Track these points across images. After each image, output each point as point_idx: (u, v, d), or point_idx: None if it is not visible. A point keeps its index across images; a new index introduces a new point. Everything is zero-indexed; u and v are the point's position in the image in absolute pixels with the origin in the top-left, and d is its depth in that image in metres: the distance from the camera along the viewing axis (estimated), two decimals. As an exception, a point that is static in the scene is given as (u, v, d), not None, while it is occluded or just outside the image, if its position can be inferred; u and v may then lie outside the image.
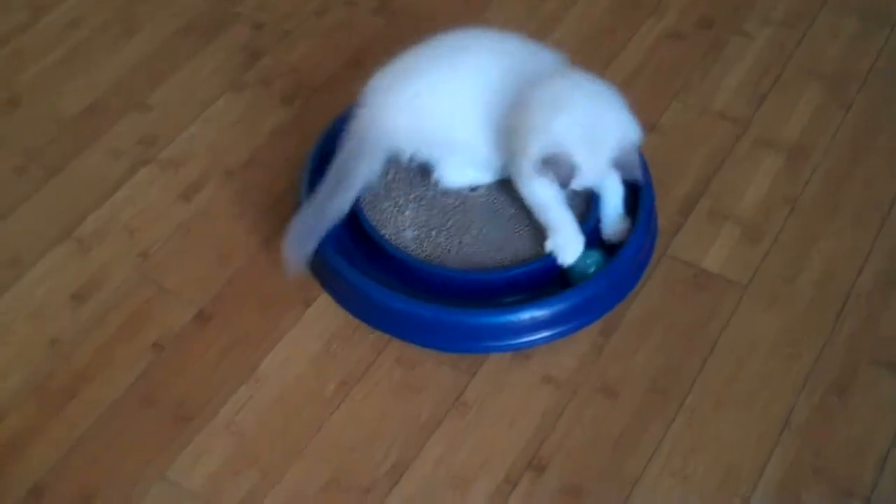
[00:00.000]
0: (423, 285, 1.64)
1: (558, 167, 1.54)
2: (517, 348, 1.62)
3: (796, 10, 2.12)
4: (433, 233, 1.71)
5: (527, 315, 1.60)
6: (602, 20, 2.13)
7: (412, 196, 1.75)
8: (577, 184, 1.58)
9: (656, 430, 1.53)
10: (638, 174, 1.59)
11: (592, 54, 2.03)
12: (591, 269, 1.62)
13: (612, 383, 1.58)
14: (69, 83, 2.01)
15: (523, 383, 1.59)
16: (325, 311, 1.68)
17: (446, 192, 1.76)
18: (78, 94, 1.99)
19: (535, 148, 1.56)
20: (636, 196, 1.70)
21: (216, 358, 1.62)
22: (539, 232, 1.67)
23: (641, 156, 1.64)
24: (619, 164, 1.57)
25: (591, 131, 1.55)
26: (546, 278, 1.64)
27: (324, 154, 1.76)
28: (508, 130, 1.63)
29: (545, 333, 1.61)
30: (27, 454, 1.51)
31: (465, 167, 1.73)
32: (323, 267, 1.69)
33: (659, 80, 2.00)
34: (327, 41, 2.08)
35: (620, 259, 1.64)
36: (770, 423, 1.53)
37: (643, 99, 1.86)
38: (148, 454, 1.52)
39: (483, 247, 1.69)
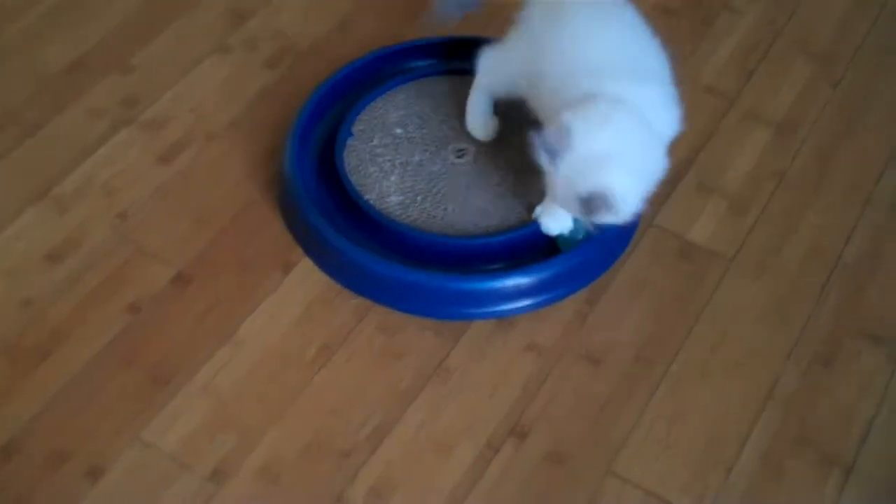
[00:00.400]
0: (407, 251, 1.62)
1: (597, 204, 1.42)
2: (501, 315, 1.60)
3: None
4: (419, 198, 1.68)
5: (511, 282, 1.58)
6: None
7: (398, 162, 1.73)
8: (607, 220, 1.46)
9: (640, 398, 1.51)
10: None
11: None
12: (580, 236, 1.60)
13: (597, 351, 1.57)
14: (51, 41, 1.97)
15: (506, 350, 1.57)
16: (306, 277, 1.65)
17: (433, 159, 1.73)
18: (60, 52, 1.94)
19: (582, 186, 1.43)
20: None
21: (194, 320, 1.60)
22: (526, 199, 1.66)
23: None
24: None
25: (640, 175, 1.47)
26: (533, 245, 1.62)
27: (309, 119, 1.74)
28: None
29: (529, 301, 1.60)
30: (-2, 413, 1.49)
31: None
32: (305, 231, 1.67)
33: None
34: (313, 5, 2.05)
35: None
36: (755, 392, 1.51)
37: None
38: (123, 415, 1.49)
39: (469, 213, 1.67)
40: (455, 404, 1.51)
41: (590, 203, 1.41)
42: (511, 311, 1.59)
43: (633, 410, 1.50)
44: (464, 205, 1.67)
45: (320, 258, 1.66)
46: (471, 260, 1.62)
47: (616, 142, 1.44)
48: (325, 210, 1.66)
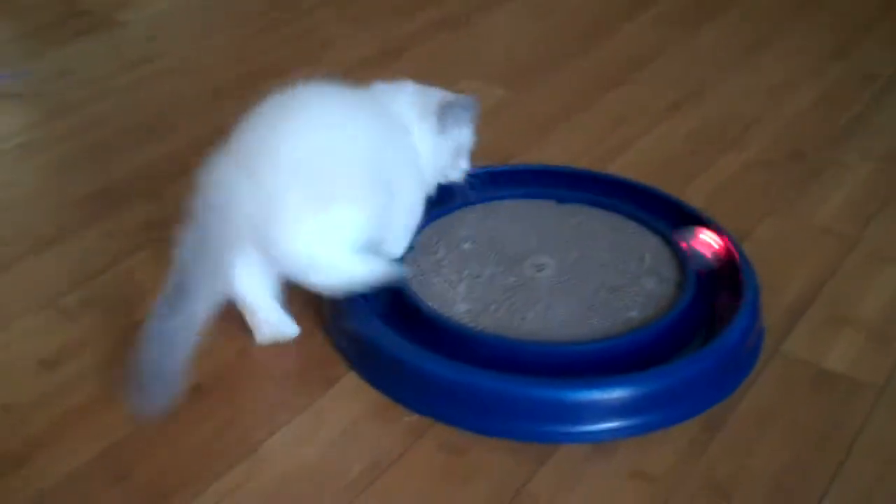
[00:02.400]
0: (478, 363, 1.31)
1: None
2: (595, 439, 1.26)
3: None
4: (492, 307, 1.39)
5: (612, 393, 1.25)
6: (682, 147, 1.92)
7: (465, 273, 1.46)
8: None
9: (788, 536, 1.14)
10: None
11: (671, 177, 1.79)
12: None
13: (723, 482, 1.21)
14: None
15: (606, 477, 1.22)
16: (349, 393, 1.34)
17: (508, 270, 1.46)
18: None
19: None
20: (737, 282, 1.41)
21: (207, 436, 1.27)
22: (619, 312, 1.37)
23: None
24: None
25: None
26: (633, 358, 1.31)
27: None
28: None
29: (632, 421, 1.26)
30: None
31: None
32: (353, 339, 1.37)
33: (747, 199, 1.75)
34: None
35: (727, 336, 1.32)
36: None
37: (729, 213, 1.63)
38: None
39: (551, 322, 1.37)
40: (541, 535, 1.15)
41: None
42: (609, 433, 1.26)
43: (778, 550, 1.13)
44: (545, 315, 1.38)
45: (370, 369, 1.35)
46: (557, 373, 1.30)
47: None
48: (377, 318, 1.37)
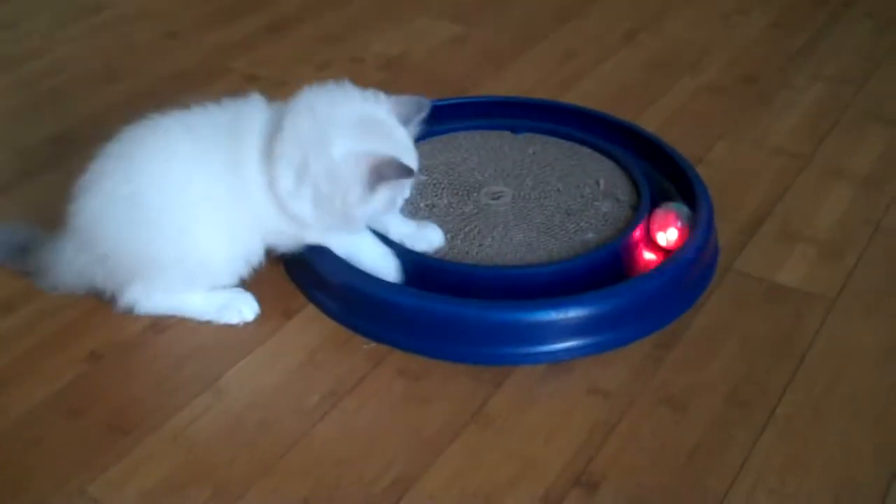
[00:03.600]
0: (438, 290, 1.31)
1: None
2: (553, 359, 1.27)
3: (848, 66, 1.92)
4: (448, 235, 1.40)
5: (567, 313, 1.26)
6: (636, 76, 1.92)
7: (422, 205, 1.46)
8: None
9: (741, 444, 1.16)
10: None
11: (625, 104, 1.79)
12: None
13: (679, 395, 1.23)
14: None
15: (562, 394, 1.23)
16: (307, 324, 1.34)
17: (464, 200, 1.46)
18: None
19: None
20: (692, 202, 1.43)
21: (167, 369, 1.28)
22: (576, 234, 1.38)
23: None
24: None
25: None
26: (591, 279, 1.32)
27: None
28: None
29: (588, 340, 1.27)
30: None
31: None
32: (309, 273, 1.37)
33: (701, 124, 1.76)
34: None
35: (681, 255, 1.33)
36: (889, 434, 1.16)
37: (683, 138, 1.63)
38: (67, 468, 1.14)
39: (509, 248, 1.37)
40: (499, 452, 1.16)
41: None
42: (565, 352, 1.27)
43: (733, 458, 1.14)
44: (502, 240, 1.39)
45: (327, 301, 1.35)
46: (516, 296, 1.31)
47: None
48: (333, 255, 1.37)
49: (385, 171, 1.23)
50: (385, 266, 1.33)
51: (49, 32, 2.08)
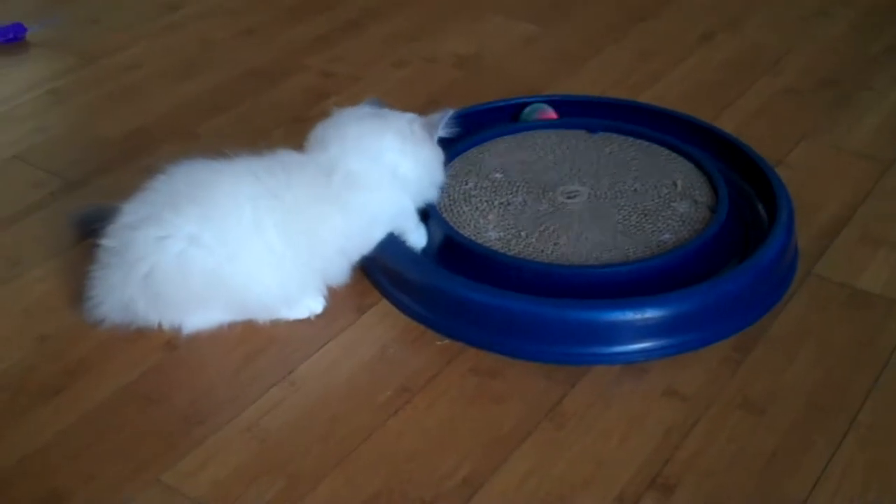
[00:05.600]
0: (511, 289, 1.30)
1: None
2: (628, 360, 1.26)
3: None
4: (523, 233, 1.39)
5: (645, 313, 1.25)
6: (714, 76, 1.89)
7: (496, 202, 1.45)
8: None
9: (821, 450, 1.13)
10: None
11: (702, 105, 1.77)
12: None
13: (757, 399, 1.21)
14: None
15: (638, 396, 1.22)
16: (383, 318, 1.34)
17: (540, 198, 1.45)
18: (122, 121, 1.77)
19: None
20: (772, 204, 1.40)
21: (242, 360, 1.28)
22: (652, 235, 1.36)
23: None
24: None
25: None
26: (667, 281, 1.30)
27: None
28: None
29: (665, 342, 1.26)
30: (-13, 446, 1.16)
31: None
32: (384, 270, 1.37)
33: (780, 126, 1.73)
34: (400, 89, 1.85)
35: (761, 258, 1.31)
36: (978, 444, 1.13)
37: (761, 140, 1.61)
38: (142, 456, 1.15)
39: (584, 247, 1.36)
40: (573, 452, 1.15)
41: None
42: (641, 353, 1.25)
43: (813, 463, 1.12)
44: (578, 240, 1.37)
45: (402, 298, 1.35)
46: (592, 296, 1.30)
47: None
48: (407, 252, 1.37)
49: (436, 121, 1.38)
50: (420, 235, 1.38)
51: (128, 28, 2.10)
